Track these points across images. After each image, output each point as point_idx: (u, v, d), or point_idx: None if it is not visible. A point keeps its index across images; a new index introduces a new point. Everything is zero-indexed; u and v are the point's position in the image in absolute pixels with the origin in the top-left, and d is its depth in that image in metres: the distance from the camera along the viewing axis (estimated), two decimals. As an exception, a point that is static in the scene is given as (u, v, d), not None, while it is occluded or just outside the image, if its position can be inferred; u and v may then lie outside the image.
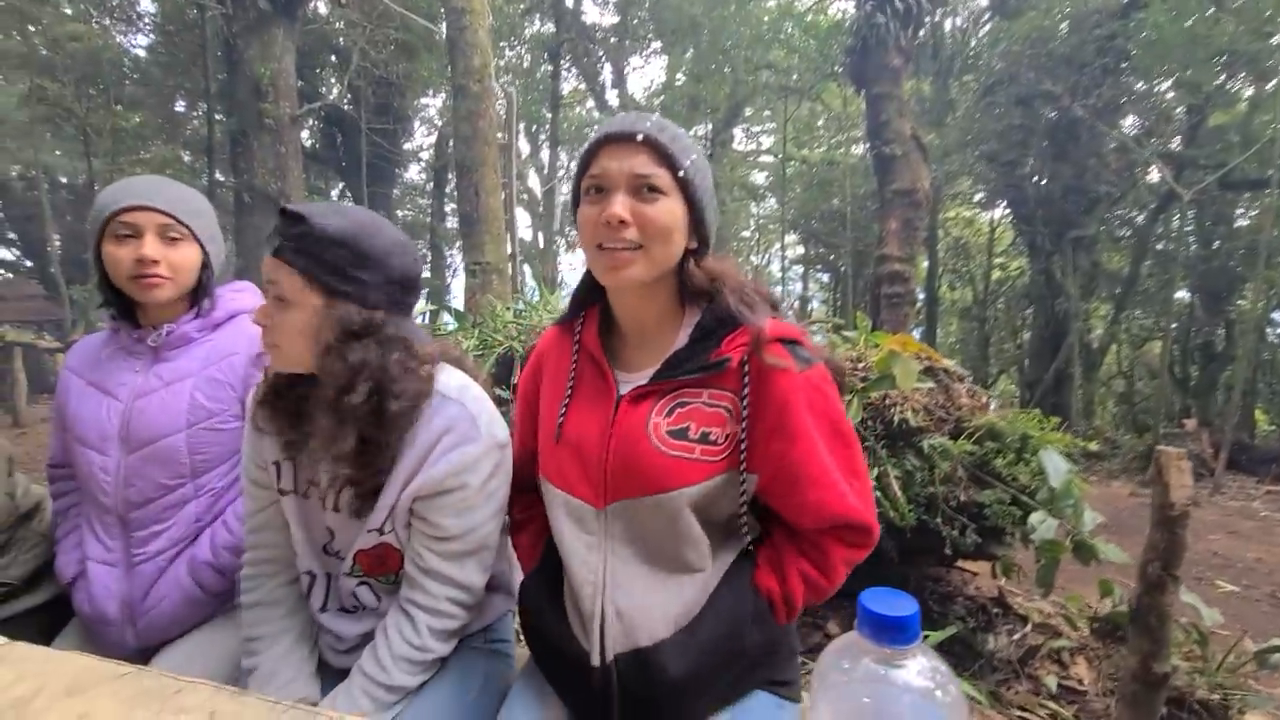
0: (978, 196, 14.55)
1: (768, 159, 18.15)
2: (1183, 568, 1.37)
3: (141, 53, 12.94)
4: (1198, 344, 12.52)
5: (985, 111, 11.40)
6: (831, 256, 16.18)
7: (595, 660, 0.87)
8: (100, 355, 1.24)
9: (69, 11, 11.24)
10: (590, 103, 18.39)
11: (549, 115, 16.22)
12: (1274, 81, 9.15)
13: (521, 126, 15.55)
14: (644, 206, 0.85)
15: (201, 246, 1.22)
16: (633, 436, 0.88)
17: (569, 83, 17.69)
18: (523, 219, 17.73)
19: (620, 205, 0.84)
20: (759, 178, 19.54)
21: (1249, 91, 10.16)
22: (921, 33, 9.11)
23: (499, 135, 6.29)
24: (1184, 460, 1.25)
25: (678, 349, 0.90)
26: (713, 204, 0.92)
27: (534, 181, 19.44)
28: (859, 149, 14.85)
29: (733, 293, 0.88)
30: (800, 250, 19.05)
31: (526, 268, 15.81)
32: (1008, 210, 12.83)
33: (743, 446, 0.86)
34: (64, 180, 15.69)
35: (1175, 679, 1.66)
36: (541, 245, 18.54)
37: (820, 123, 17.05)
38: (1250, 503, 7.01)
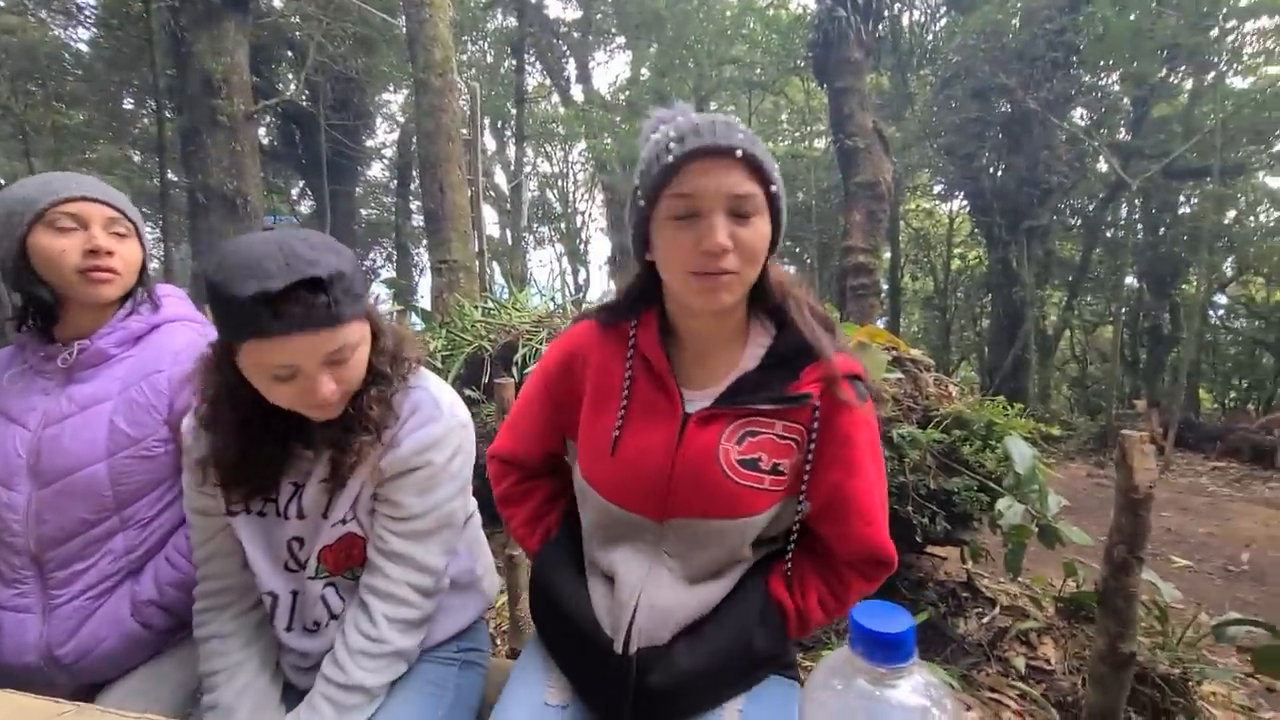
0: (937, 188, 14.86)
1: (733, 153, 18.19)
2: (1142, 547, 1.41)
3: (83, 47, 12.34)
4: (1146, 327, 13.02)
5: (943, 105, 11.61)
6: (796, 249, 16.33)
7: (618, 649, 0.87)
8: (3, 376, 1.11)
9: (1, 4, 10.67)
10: (555, 98, 18.21)
11: (514, 111, 16.02)
12: (1213, 74, 9.55)
13: (487, 122, 15.30)
14: (740, 230, 0.78)
15: (142, 245, 1.15)
16: (702, 460, 0.86)
17: (533, 78, 17.49)
18: (489, 216, 17.49)
19: (723, 233, 0.77)
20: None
21: (1189, 84, 10.59)
22: (881, 26, 9.22)
23: (463, 131, 6.18)
24: (1147, 444, 1.29)
25: (747, 371, 0.88)
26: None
27: (500, 178, 19.21)
28: (821, 143, 15.01)
29: (801, 315, 0.88)
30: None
31: (495, 265, 15.62)
32: (965, 201, 13.12)
33: (805, 476, 0.88)
34: (1, 182, 14.95)
35: (1138, 656, 1.71)
36: (510, 242, 18.33)
37: (784, 117, 17.18)
38: (1198, 479, 7.31)
